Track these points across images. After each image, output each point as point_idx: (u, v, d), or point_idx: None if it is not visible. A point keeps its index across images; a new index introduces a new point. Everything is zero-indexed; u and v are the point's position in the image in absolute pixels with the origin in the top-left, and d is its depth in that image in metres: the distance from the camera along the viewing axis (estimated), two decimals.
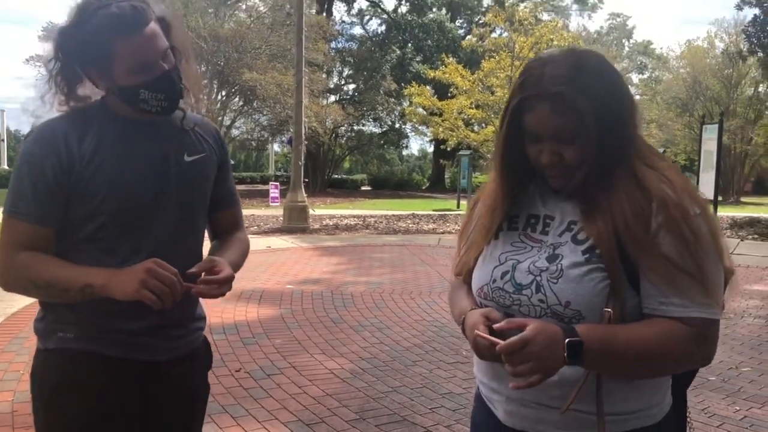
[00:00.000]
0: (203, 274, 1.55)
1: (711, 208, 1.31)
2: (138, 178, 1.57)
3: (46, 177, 1.51)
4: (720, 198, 21.89)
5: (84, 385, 1.57)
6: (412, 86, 21.57)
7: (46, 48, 1.54)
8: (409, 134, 40.82)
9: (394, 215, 18.00)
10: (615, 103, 1.27)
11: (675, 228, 1.22)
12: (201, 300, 1.82)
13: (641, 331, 1.23)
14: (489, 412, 1.44)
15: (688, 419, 1.44)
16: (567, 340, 1.18)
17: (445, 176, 42.04)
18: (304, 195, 14.34)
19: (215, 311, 6.19)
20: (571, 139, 1.26)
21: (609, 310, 1.23)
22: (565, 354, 1.18)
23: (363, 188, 41.80)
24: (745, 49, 17.64)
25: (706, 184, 13.84)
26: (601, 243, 1.26)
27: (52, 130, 1.54)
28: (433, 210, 20.25)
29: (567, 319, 1.25)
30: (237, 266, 1.71)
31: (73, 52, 1.52)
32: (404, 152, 58.50)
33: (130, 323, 1.59)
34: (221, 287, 1.55)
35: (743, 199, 31.05)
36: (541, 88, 1.26)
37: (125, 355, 1.60)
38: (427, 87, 21.95)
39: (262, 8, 29.60)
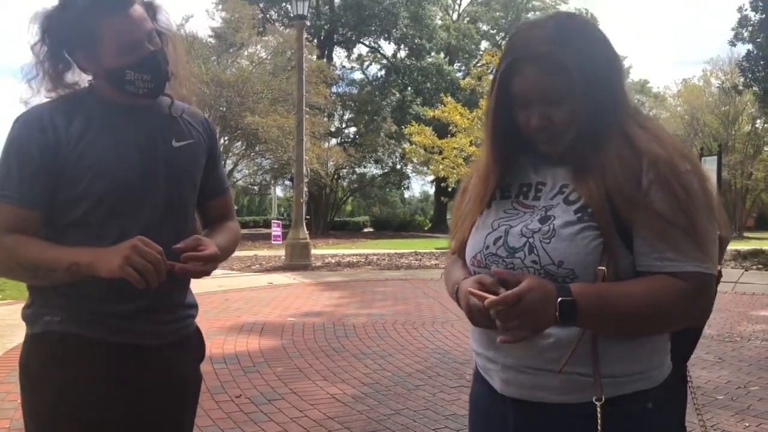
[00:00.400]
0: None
1: (703, 165, 1.31)
2: (125, 161, 1.57)
3: (32, 159, 1.51)
4: None
5: (71, 367, 1.55)
6: (412, 125, 21.80)
7: (32, 31, 1.55)
8: (410, 175, 41.07)
9: (396, 253, 17.97)
10: (602, 61, 1.29)
11: (666, 184, 1.22)
12: (191, 286, 1.80)
13: (636, 288, 1.22)
14: (487, 387, 1.41)
15: (689, 383, 1.42)
16: (560, 299, 1.17)
17: (447, 216, 42.08)
18: (306, 232, 14.34)
19: (216, 342, 6.14)
20: (560, 100, 1.27)
21: (603, 268, 1.22)
22: (557, 313, 1.17)
23: (365, 230, 41.87)
24: (740, 84, 17.84)
25: None
26: (592, 201, 1.25)
27: (40, 114, 1.55)
28: (436, 248, 20.21)
29: (561, 278, 1.23)
30: (225, 250, 1.70)
31: (59, 35, 1.53)
32: (406, 194, 58.61)
33: (118, 306, 1.58)
34: (205, 265, 1.55)
35: (746, 234, 30.95)
36: (527, 50, 1.27)
37: (113, 338, 1.58)
38: (428, 127, 22.12)
39: (263, 54, 30.13)
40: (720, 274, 1.33)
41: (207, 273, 1.57)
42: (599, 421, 1.22)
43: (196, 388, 1.82)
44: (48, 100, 1.59)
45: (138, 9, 1.54)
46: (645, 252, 1.24)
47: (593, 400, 1.23)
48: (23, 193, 1.51)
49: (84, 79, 1.62)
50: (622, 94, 1.33)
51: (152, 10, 1.61)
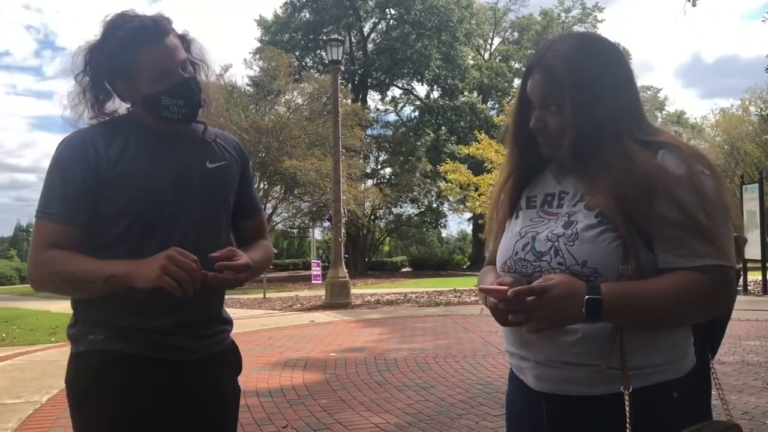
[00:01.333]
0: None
1: (719, 170, 1.40)
2: (161, 181, 1.67)
3: (75, 179, 1.61)
4: None
5: (115, 384, 1.63)
6: (447, 163, 22.01)
7: (76, 62, 1.69)
8: (446, 213, 41.08)
9: (435, 291, 17.96)
10: (605, 85, 1.39)
11: (675, 193, 1.31)
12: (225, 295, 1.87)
13: (659, 284, 1.31)
14: (520, 386, 1.50)
15: (714, 374, 1.49)
16: (587, 297, 1.27)
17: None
18: (345, 271, 14.49)
19: (262, 377, 6.27)
20: (555, 110, 1.41)
21: (626, 267, 1.31)
22: (584, 310, 1.27)
23: (403, 270, 41.84)
24: None
25: (752, 244, 13.57)
26: (606, 211, 1.35)
27: (82, 136, 1.67)
28: (475, 286, 20.10)
29: (585, 277, 1.33)
30: (258, 264, 1.76)
31: (100, 66, 1.67)
32: (443, 234, 58.54)
33: (157, 320, 1.66)
34: (238, 274, 1.61)
35: None
36: (541, 59, 1.43)
37: (153, 353, 1.65)
38: (463, 165, 22.29)
39: (299, 100, 30.86)
40: (739, 273, 1.42)
41: (240, 282, 1.64)
42: (627, 411, 1.30)
43: (235, 401, 1.88)
44: (89, 125, 1.73)
45: (173, 39, 1.68)
46: (665, 251, 1.33)
47: (621, 389, 1.31)
48: (65, 211, 1.61)
49: (123, 107, 1.76)
50: (625, 114, 1.41)
51: (186, 42, 1.74)
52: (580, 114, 1.38)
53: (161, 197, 1.66)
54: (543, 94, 1.42)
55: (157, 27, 1.65)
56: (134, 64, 1.64)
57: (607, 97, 1.40)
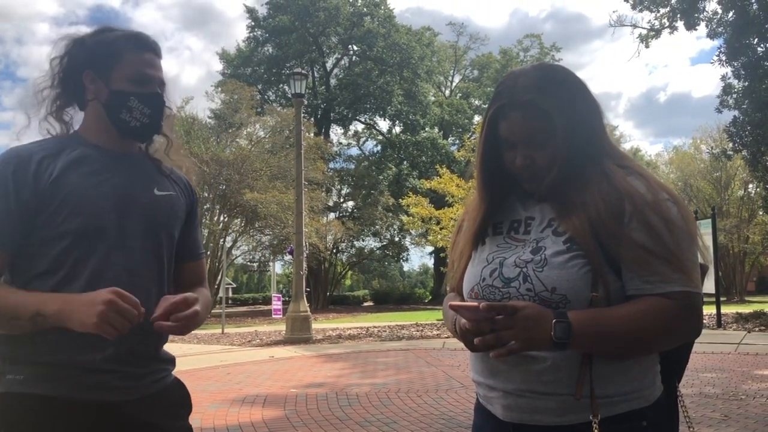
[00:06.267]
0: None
1: (682, 200, 1.42)
2: (102, 198, 1.57)
3: (8, 197, 1.50)
4: (723, 298, 21.79)
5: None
6: (410, 197, 22.10)
7: (58, 47, 1.65)
8: (408, 247, 41.12)
9: (397, 325, 17.83)
10: (581, 107, 1.42)
11: (645, 217, 1.32)
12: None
13: (627, 310, 1.30)
14: (488, 417, 1.47)
15: (681, 402, 1.48)
16: (555, 320, 1.26)
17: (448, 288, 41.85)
18: (307, 305, 14.31)
19: (219, 414, 6.08)
20: (543, 143, 1.40)
21: (596, 294, 1.31)
22: (552, 333, 1.25)
23: (365, 304, 41.59)
24: (729, 149, 18.19)
25: (707, 278, 13.83)
26: (578, 234, 1.35)
27: (19, 151, 1.57)
28: (437, 320, 20.07)
29: (554, 304, 1.32)
30: (201, 316, 1.63)
31: (81, 53, 1.63)
32: (405, 267, 58.55)
33: (85, 355, 1.51)
34: (183, 324, 1.50)
35: (747, 298, 30.81)
36: (513, 97, 1.40)
37: (78, 395, 1.50)
38: (425, 199, 22.41)
39: (261, 133, 30.75)
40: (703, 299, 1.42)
41: (184, 333, 1.52)
42: None
43: None
44: (35, 141, 1.64)
45: (160, 63, 1.70)
46: (633, 278, 1.33)
47: (590, 418, 1.29)
48: None
49: (76, 122, 1.70)
50: (601, 136, 1.45)
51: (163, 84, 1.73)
52: (572, 140, 1.38)
53: (101, 218, 1.56)
54: (530, 130, 1.39)
55: (153, 44, 1.69)
56: (117, 59, 1.62)
57: (587, 119, 1.42)
